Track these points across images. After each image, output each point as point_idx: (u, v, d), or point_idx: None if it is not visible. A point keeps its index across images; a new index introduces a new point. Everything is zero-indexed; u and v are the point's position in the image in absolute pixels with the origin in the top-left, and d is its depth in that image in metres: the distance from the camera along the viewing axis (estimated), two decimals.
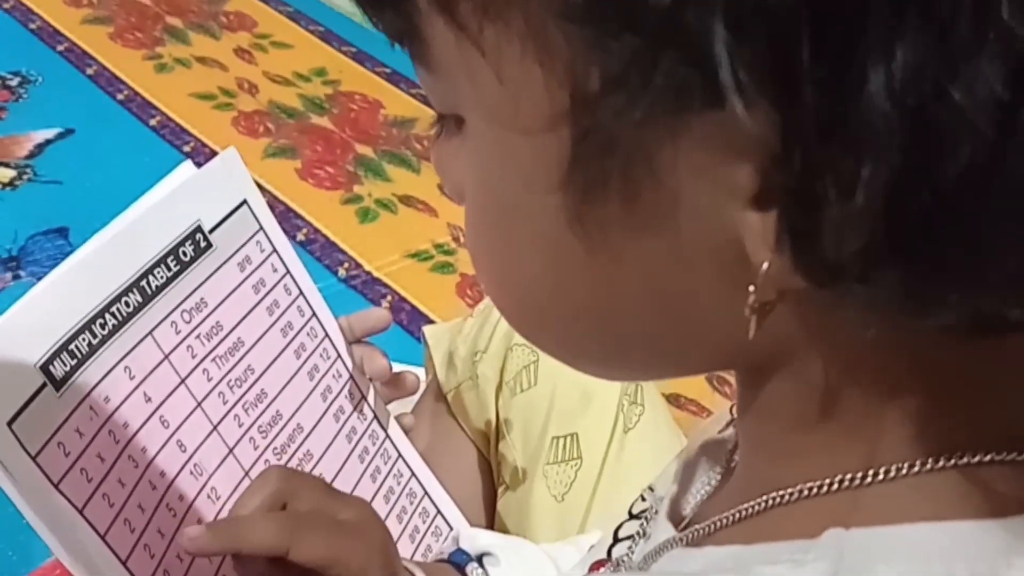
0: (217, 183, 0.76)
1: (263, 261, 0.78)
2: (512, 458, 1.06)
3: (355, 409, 0.83)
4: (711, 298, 0.34)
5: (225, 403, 0.72)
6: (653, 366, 0.41)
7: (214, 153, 2.03)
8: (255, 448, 0.73)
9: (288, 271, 0.80)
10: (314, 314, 0.82)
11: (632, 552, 0.51)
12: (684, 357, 0.38)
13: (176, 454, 0.68)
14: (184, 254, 0.71)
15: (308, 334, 0.80)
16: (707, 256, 0.33)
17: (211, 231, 0.74)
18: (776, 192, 0.30)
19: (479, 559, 0.83)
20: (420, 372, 1.16)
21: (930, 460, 0.35)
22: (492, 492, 1.10)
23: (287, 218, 1.84)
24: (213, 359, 0.71)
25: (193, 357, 0.70)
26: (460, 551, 0.83)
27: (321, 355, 0.81)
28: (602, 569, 0.55)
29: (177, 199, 0.72)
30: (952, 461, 0.35)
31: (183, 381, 0.69)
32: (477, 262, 0.39)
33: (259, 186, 1.88)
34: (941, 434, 0.35)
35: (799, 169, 0.29)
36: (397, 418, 0.93)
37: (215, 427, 0.71)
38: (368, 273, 1.75)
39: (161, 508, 0.66)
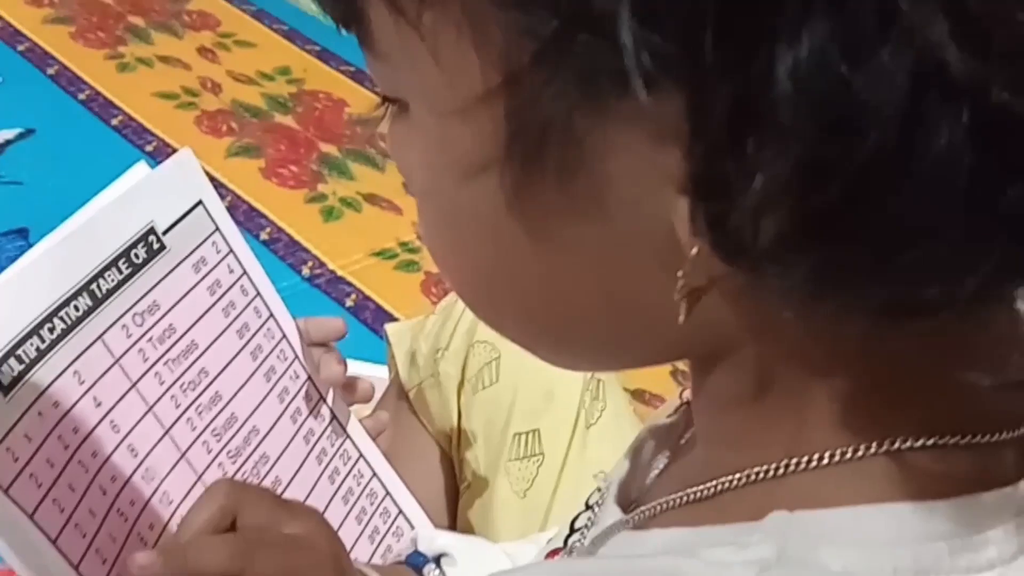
0: (171, 184, 0.75)
1: (219, 262, 0.78)
2: (474, 455, 1.06)
3: (313, 410, 0.83)
4: (651, 285, 0.34)
5: (178, 407, 0.71)
6: (606, 355, 0.41)
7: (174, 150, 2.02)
8: (208, 452, 0.73)
9: (245, 271, 0.79)
10: (271, 315, 0.81)
11: (584, 539, 0.52)
12: (633, 346, 0.39)
13: (128, 459, 0.67)
14: (136, 256, 0.71)
15: (265, 335, 0.80)
16: (644, 242, 0.33)
17: (165, 232, 0.73)
18: (697, 177, 0.30)
19: (437, 560, 0.83)
20: (383, 373, 1.16)
21: (874, 444, 0.35)
22: (455, 490, 1.10)
23: (251, 217, 1.83)
24: (165, 362, 0.71)
25: (145, 361, 0.69)
26: (417, 553, 0.83)
27: (278, 356, 0.80)
28: (556, 557, 0.56)
29: (130, 200, 0.71)
30: (893, 445, 0.35)
31: (134, 385, 0.68)
32: (431, 248, 0.40)
33: (222, 186, 1.88)
34: (877, 419, 0.36)
35: (709, 155, 0.29)
36: (374, 414, 0.92)
37: (167, 431, 0.70)
38: (332, 272, 1.75)
39: (112, 513, 0.65)
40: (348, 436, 0.86)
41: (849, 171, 0.28)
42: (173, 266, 0.73)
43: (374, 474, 0.88)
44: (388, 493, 0.89)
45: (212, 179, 1.89)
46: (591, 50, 0.29)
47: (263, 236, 1.80)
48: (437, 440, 1.11)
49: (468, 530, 1.03)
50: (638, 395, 1.54)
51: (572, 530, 0.55)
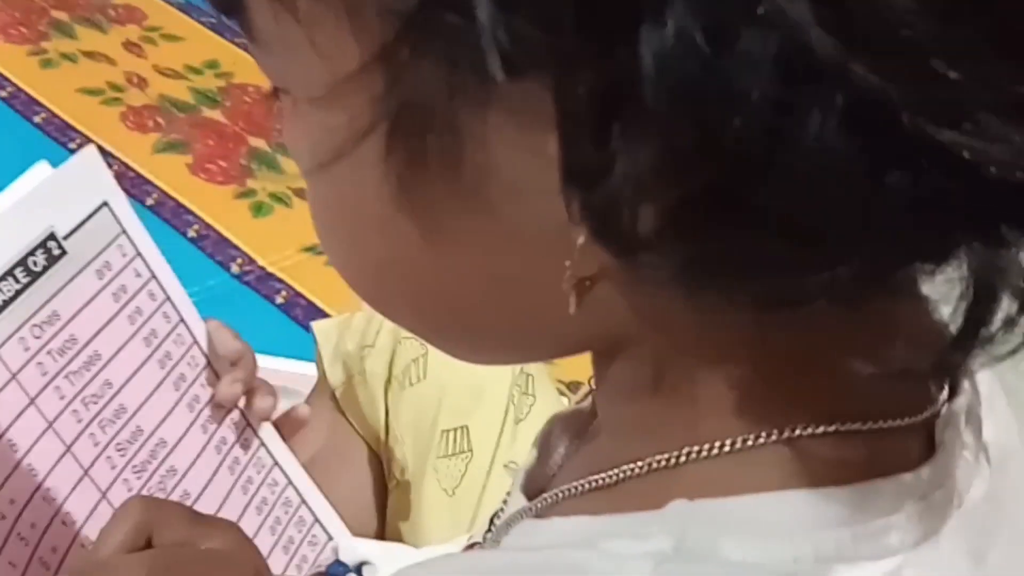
0: (73, 185, 0.73)
1: (125, 266, 0.75)
2: (402, 454, 1.05)
3: (225, 418, 0.81)
4: (542, 276, 0.34)
5: (79, 422, 0.69)
6: (505, 348, 0.41)
7: (102, 150, 1.99)
8: (113, 467, 0.71)
9: (153, 275, 0.77)
10: (182, 319, 0.79)
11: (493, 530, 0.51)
12: (530, 338, 0.39)
13: (27, 480, 0.65)
14: (35, 264, 0.68)
15: (175, 341, 0.78)
16: (532, 233, 0.33)
17: (66, 237, 0.71)
18: (569, 165, 0.30)
19: (358, 569, 0.82)
20: (314, 371, 1.15)
21: (767, 433, 0.35)
22: (383, 489, 1.09)
23: (178, 215, 1.80)
24: (66, 375, 0.69)
25: (44, 375, 0.67)
26: (338, 562, 0.82)
27: (188, 363, 0.78)
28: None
29: (28, 205, 0.69)
30: (791, 433, 0.35)
31: (32, 401, 0.66)
32: (322, 241, 0.39)
33: (148, 183, 1.84)
34: (774, 406, 0.35)
35: (578, 142, 0.29)
36: (293, 409, 0.90)
37: (68, 448, 0.68)
38: (262, 268, 1.72)
39: (12, 538, 0.63)
40: (263, 443, 0.85)
41: (717, 158, 0.27)
42: (75, 273, 0.71)
43: (289, 482, 0.87)
44: (304, 501, 0.88)
45: (138, 176, 1.88)
46: (455, 32, 0.29)
47: (191, 233, 1.77)
48: (365, 439, 1.10)
49: (397, 529, 1.02)
50: (573, 388, 1.53)
51: (491, 525, 0.54)
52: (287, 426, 0.91)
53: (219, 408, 0.80)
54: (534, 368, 1.09)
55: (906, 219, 0.28)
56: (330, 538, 0.88)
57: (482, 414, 1.04)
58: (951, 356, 0.31)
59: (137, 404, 0.74)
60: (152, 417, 0.75)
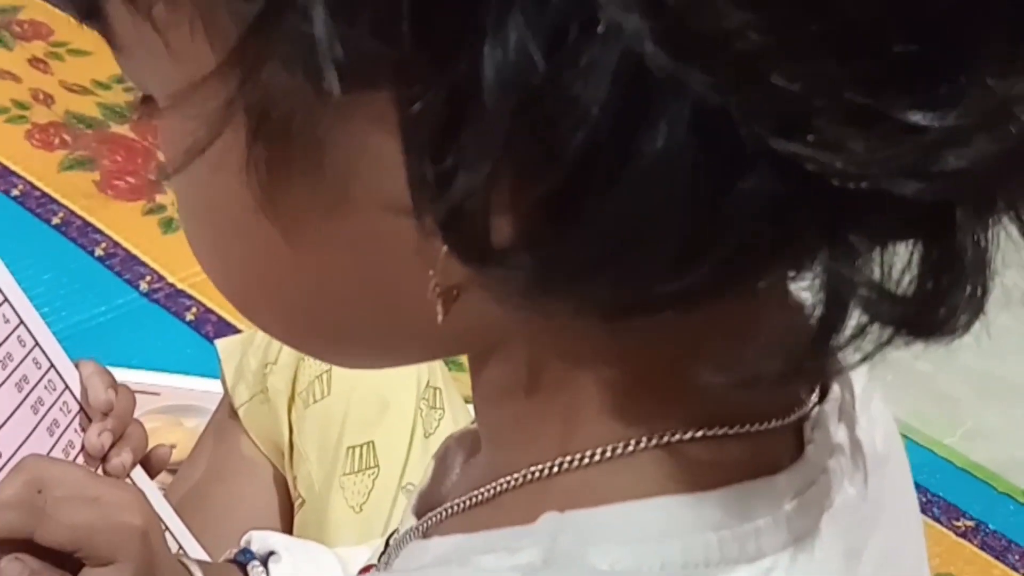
0: None
1: None
2: (307, 472, 1.04)
3: (97, 466, 0.80)
4: (409, 284, 0.33)
5: None
6: (375, 354, 0.41)
7: (5, 168, 1.96)
8: None
9: (22, 321, 0.75)
10: (52, 365, 0.78)
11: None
12: (401, 344, 0.39)
13: None
14: None
15: (46, 387, 0.76)
16: (396, 242, 0.32)
17: None
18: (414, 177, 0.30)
19: (264, 560, 0.82)
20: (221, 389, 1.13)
21: (641, 439, 0.35)
22: (289, 508, 1.08)
23: (84, 233, 1.77)
24: None
25: None
26: (246, 551, 0.82)
27: (61, 409, 0.77)
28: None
29: None
30: (660, 439, 0.35)
31: None
32: (192, 248, 0.39)
33: (54, 201, 1.80)
34: (644, 412, 0.35)
35: (422, 153, 0.29)
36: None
37: None
38: (172, 285, 1.70)
39: None
40: (133, 482, 0.83)
41: (561, 170, 0.27)
42: None
43: (167, 529, 0.85)
44: (180, 547, 0.87)
45: (44, 195, 1.84)
46: (299, 40, 0.28)
47: (98, 252, 1.74)
48: (269, 458, 1.08)
49: None
50: None
51: (387, 546, 0.53)
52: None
53: (90, 457, 0.79)
54: (441, 382, 1.08)
55: (754, 228, 0.28)
56: None
57: (388, 429, 1.04)
58: (805, 363, 0.30)
59: (12, 451, 0.72)
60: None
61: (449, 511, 0.41)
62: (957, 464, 1.60)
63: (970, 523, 1.54)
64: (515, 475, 0.37)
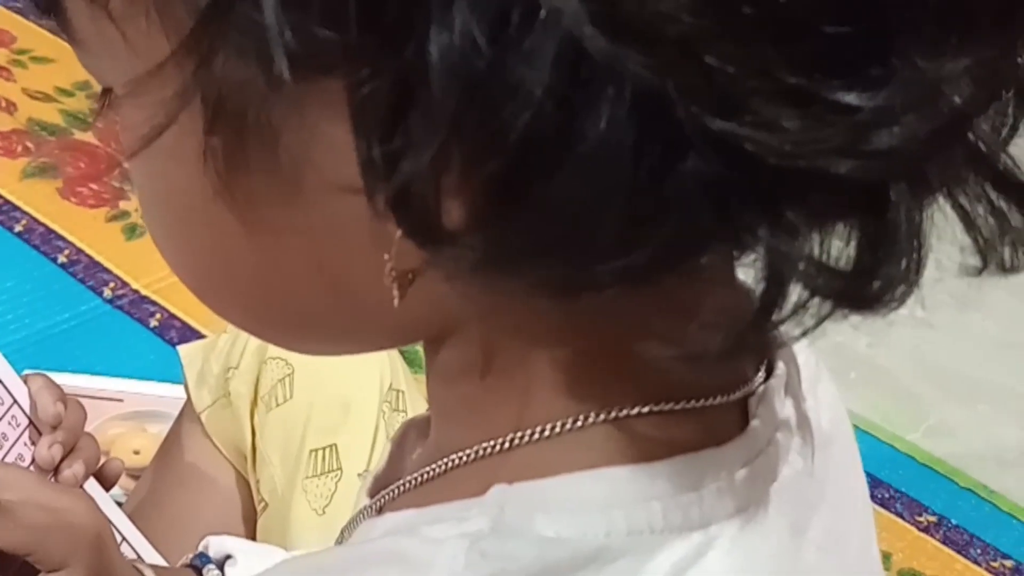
0: None
1: None
2: (269, 476, 1.04)
3: (52, 475, 0.80)
4: (366, 269, 0.34)
5: None
6: (336, 339, 0.41)
7: None
8: None
9: None
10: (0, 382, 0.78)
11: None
12: (361, 330, 0.39)
13: None
14: None
15: None
16: (352, 227, 0.33)
17: None
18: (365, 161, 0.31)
19: (221, 564, 0.82)
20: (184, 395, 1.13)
21: (592, 414, 0.36)
22: (252, 512, 1.08)
23: (47, 240, 1.76)
24: None
25: None
26: (202, 555, 0.82)
27: (9, 423, 0.78)
28: None
29: None
30: (610, 414, 0.36)
31: None
32: (154, 239, 0.40)
33: (17, 209, 1.79)
34: (596, 388, 0.36)
35: (371, 138, 0.30)
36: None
37: None
38: (136, 292, 1.69)
39: None
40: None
41: (505, 152, 0.28)
42: None
43: (123, 538, 0.85)
44: (137, 555, 0.87)
45: (7, 203, 1.83)
46: (249, 27, 0.29)
47: (61, 259, 1.73)
48: (232, 462, 1.08)
49: None
50: None
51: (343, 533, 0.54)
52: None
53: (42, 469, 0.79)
54: (404, 384, 1.08)
55: (695, 207, 0.29)
56: None
57: (350, 431, 1.04)
58: (748, 338, 0.31)
59: None
60: None
61: (401, 488, 0.42)
62: (919, 460, 1.61)
63: (932, 518, 1.55)
64: (467, 451, 0.38)
